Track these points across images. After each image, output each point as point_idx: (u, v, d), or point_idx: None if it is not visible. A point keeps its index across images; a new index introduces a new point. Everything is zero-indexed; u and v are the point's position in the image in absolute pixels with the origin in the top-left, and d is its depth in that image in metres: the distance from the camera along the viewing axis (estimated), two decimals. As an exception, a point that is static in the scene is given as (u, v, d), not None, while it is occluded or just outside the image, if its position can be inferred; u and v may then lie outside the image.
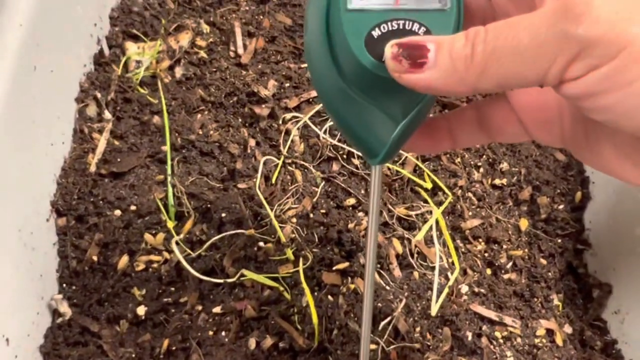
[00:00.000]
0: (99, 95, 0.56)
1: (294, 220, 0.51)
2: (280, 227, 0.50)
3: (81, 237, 0.49)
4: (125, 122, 0.56)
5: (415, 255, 0.51)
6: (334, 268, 0.48)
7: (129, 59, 0.62)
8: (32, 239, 0.45)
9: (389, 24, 0.27)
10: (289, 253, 0.49)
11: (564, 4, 0.22)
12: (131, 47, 0.63)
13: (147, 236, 0.50)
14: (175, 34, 0.64)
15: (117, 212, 0.51)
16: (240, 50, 0.62)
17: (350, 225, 0.51)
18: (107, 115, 0.56)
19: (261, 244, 0.50)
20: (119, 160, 0.54)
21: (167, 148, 0.55)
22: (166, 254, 0.50)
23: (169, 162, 0.54)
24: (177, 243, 0.50)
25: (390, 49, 0.26)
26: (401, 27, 0.27)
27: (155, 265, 0.50)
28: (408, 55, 0.25)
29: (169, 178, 0.53)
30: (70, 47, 0.55)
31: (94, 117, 0.55)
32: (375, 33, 0.27)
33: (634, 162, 0.26)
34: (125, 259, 0.49)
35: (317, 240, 0.50)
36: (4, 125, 0.42)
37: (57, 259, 0.48)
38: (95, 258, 0.49)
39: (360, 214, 0.52)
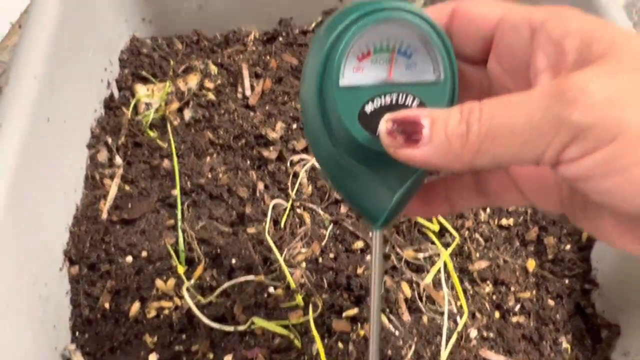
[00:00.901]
0: (109, 140, 0.57)
1: (304, 264, 0.52)
2: (290, 272, 0.51)
3: (93, 285, 0.50)
4: (136, 167, 0.57)
5: (424, 299, 0.51)
6: (343, 315, 0.49)
7: (139, 101, 0.63)
8: (45, 290, 0.45)
9: (382, 97, 0.28)
10: (299, 299, 0.50)
11: (558, 88, 0.23)
12: (140, 90, 0.64)
13: (158, 282, 0.51)
14: (184, 76, 0.66)
15: (129, 259, 0.52)
16: (248, 92, 0.63)
17: (359, 271, 0.51)
18: (118, 160, 0.57)
19: (271, 289, 0.50)
20: (129, 206, 0.54)
21: (177, 192, 0.55)
22: (177, 300, 0.51)
23: (179, 207, 0.54)
24: (187, 289, 0.50)
25: (384, 125, 0.26)
26: (394, 101, 0.28)
27: (166, 311, 0.50)
28: (402, 131, 0.26)
29: (179, 223, 0.54)
30: (82, 94, 0.56)
31: (105, 163, 0.56)
32: (369, 108, 0.27)
33: (634, 234, 0.27)
34: (136, 305, 0.50)
35: (326, 285, 0.50)
36: (19, 181, 0.43)
37: (69, 308, 0.49)
38: (107, 305, 0.50)
39: (369, 257, 0.53)
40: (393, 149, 0.26)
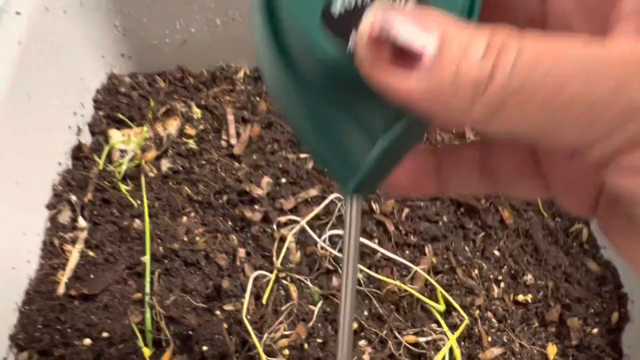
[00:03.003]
0: (74, 198, 0.51)
1: (286, 352, 0.45)
2: (270, 361, 0.44)
3: (45, 374, 0.44)
4: (103, 229, 0.51)
5: (426, 395, 0.44)
6: (329, 419, 0.42)
7: (113, 147, 0.57)
8: (-17, 389, 0.39)
9: None
10: (280, 394, 0.43)
11: None
12: (115, 135, 0.58)
13: (120, 369, 0.45)
14: (164, 120, 0.59)
15: (87, 341, 0.45)
16: (233, 140, 0.57)
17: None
18: (82, 222, 0.50)
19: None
20: (92, 276, 0.48)
21: (146, 260, 0.49)
22: (141, 390, 0.44)
23: (148, 279, 0.48)
24: (153, 378, 0.44)
25: (368, 24, 0.16)
26: None
27: (128, 404, 0.44)
28: (392, 47, 0.16)
29: (147, 298, 0.47)
30: (44, 148, 0.50)
31: (67, 225, 0.50)
32: (337, 6, 0.18)
33: None
34: (94, 397, 0.44)
35: None
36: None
37: (16, 402, 0.43)
38: (60, 397, 0.43)
39: (362, 342, 0.46)
40: (370, 65, 0.16)
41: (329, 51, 0.18)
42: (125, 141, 0.58)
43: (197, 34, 0.61)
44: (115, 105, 0.60)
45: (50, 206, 0.50)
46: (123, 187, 0.54)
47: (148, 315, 0.46)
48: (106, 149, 0.57)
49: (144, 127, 0.58)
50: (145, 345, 0.46)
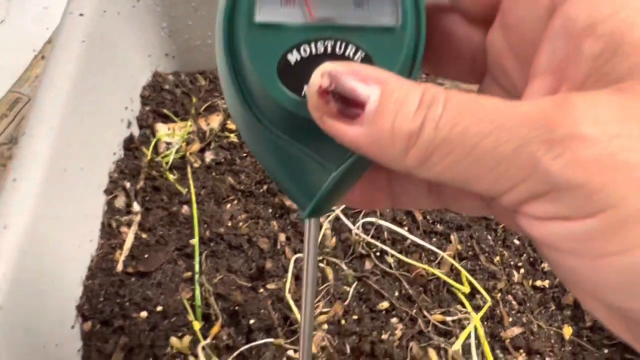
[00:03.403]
0: (128, 185, 0.56)
1: (325, 326, 0.49)
2: (311, 334, 0.48)
3: (106, 342, 0.48)
4: (154, 214, 0.55)
5: (452, 368, 0.48)
6: (366, 386, 0.46)
7: (159, 140, 0.62)
8: (57, 352, 0.44)
9: (313, 44, 0.20)
10: (320, 365, 0.47)
11: (547, 116, 0.16)
12: (161, 128, 0.62)
13: (173, 339, 0.49)
14: (206, 115, 0.64)
15: (143, 314, 0.50)
16: (272, 134, 0.61)
17: (384, 336, 0.48)
18: (136, 207, 0.55)
19: (290, 353, 0.48)
20: (146, 256, 0.52)
21: (195, 242, 0.53)
22: (192, 359, 0.48)
23: (197, 259, 0.52)
24: (203, 348, 0.48)
25: (317, 79, 0.18)
26: (330, 50, 0.20)
27: (180, 371, 0.48)
28: (340, 97, 0.18)
29: (197, 277, 0.51)
30: (101, 138, 0.55)
31: (122, 209, 0.54)
32: (293, 57, 0.20)
33: (625, 325, 0.20)
34: (150, 364, 0.48)
35: (349, 351, 0.48)
36: (33, 237, 0.42)
37: (81, 366, 0.47)
38: (119, 364, 0.48)
39: (394, 319, 0.50)
40: (320, 115, 0.19)
41: (285, 96, 0.20)
42: (170, 134, 0.62)
43: (238, 36, 0.65)
44: (160, 101, 0.64)
45: (107, 192, 0.54)
46: (171, 176, 0.58)
47: (198, 292, 0.50)
48: (153, 141, 0.61)
49: (187, 122, 0.63)
50: (196, 319, 0.50)
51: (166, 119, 0.63)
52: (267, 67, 0.20)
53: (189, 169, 0.59)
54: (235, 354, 0.47)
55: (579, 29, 0.18)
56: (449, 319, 0.50)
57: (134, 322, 0.49)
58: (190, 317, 0.50)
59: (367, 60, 0.20)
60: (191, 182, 0.57)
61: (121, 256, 0.52)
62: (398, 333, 0.49)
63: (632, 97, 0.16)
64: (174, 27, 0.64)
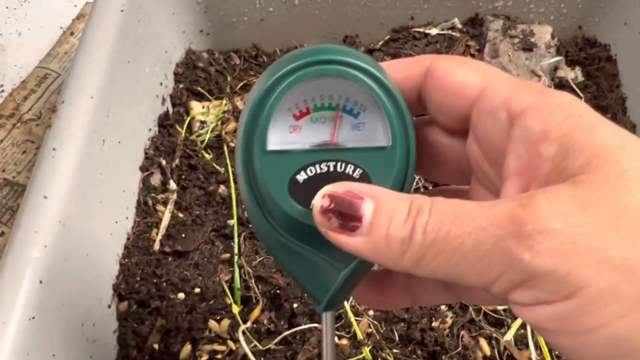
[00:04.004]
0: (163, 162, 0.53)
1: (371, 313, 0.47)
2: (357, 320, 0.46)
3: (142, 323, 0.46)
4: (190, 192, 0.53)
5: (505, 359, 0.46)
6: (418, 375, 0.43)
7: (193, 119, 0.59)
8: (93, 331, 0.41)
9: (318, 166, 0.24)
10: (366, 352, 0.45)
11: (516, 214, 0.19)
12: (196, 107, 0.60)
13: (212, 323, 0.47)
14: (242, 94, 0.61)
15: (181, 295, 0.47)
16: (311, 114, 0.59)
17: (435, 324, 0.46)
18: (172, 185, 0.53)
19: (335, 339, 0.46)
20: (183, 236, 0.50)
21: (233, 223, 0.51)
22: (231, 344, 0.46)
23: (236, 240, 0.50)
24: (243, 333, 0.46)
25: (319, 201, 0.22)
26: (332, 169, 0.24)
27: (219, 356, 0.46)
28: (339, 214, 0.21)
29: (236, 258, 0.49)
30: (138, 111, 0.52)
31: (158, 187, 0.52)
32: (301, 177, 0.24)
33: None
34: (187, 348, 0.46)
35: (397, 338, 0.45)
36: (71, 210, 0.39)
37: (116, 348, 0.45)
38: (156, 346, 0.46)
39: (444, 307, 0.48)
40: (325, 230, 0.22)
41: (296, 209, 0.24)
42: (205, 113, 0.60)
43: (275, 13, 0.63)
44: (194, 79, 0.62)
45: (143, 168, 0.52)
46: (207, 155, 0.56)
47: (237, 274, 0.48)
48: (187, 119, 0.59)
49: (222, 101, 0.61)
50: (235, 302, 0.48)
51: (200, 97, 0.61)
52: (280, 186, 0.24)
53: (225, 148, 0.56)
54: (278, 338, 0.45)
55: (535, 136, 0.21)
56: (500, 307, 0.48)
57: (171, 303, 0.47)
58: (229, 299, 0.48)
59: (364, 176, 0.24)
60: (228, 161, 0.55)
61: (158, 235, 0.49)
62: (449, 321, 0.46)
63: (586, 188, 0.19)
64: (209, 2, 0.62)
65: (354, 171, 0.24)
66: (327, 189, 0.22)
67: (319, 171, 0.24)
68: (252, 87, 0.25)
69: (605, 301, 0.18)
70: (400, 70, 0.25)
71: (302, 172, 0.24)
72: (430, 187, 0.53)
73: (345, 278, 0.25)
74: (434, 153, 0.26)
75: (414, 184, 0.53)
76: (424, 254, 0.20)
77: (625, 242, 0.18)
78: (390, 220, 0.21)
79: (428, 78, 0.24)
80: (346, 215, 0.21)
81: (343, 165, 0.24)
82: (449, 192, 0.29)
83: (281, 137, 0.24)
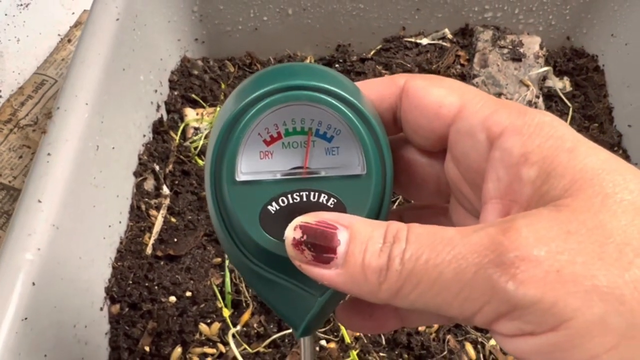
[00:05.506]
0: (157, 167, 0.54)
1: (359, 317, 0.48)
2: (345, 324, 0.47)
3: (134, 326, 0.47)
4: (183, 198, 0.54)
5: (490, 363, 0.47)
6: (403, 378, 0.44)
7: (187, 125, 0.60)
8: (85, 333, 0.42)
9: (289, 196, 0.22)
10: (354, 355, 0.45)
11: (497, 241, 0.18)
12: (190, 113, 0.61)
13: (202, 326, 0.47)
14: (236, 101, 0.62)
15: (172, 299, 0.48)
16: (303, 122, 0.60)
17: (421, 328, 0.47)
18: (165, 190, 0.53)
19: (323, 343, 0.46)
20: (175, 240, 0.51)
21: (225, 228, 0.52)
22: (221, 347, 0.47)
23: (228, 245, 0.51)
24: (233, 336, 0.47)
25: (291, 233, 0.21)
26: (305, 199, 0.22)
27: (209, 358, 0.47)
28: (312, 245, 0.20)
29: (227, 262, 0.50)
30: (133, 118, 0.53)
31: (151, 192, 0.53)
32: (272, 208, 0.23)
33: None
34: (178, 350, 0.46)
35: (384, 342, 0.46)
36: (65, 213, 0.40)
37: (108, 350, 0.46)
38: (147, 349, 0.46)
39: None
40: (298, 263, 0.21)
41: (268, 241, 0.23)
42: (199, 119, 0.61)
43: (269, 22, 0.64)
44: (188, 86, 0.63)
45: (136, 174, 0.53)
46: (200, 161, 0.57)
47: (228, 278, 0.49)
48: (181, 126, 0.60)
49: (216, 108, 0.62)
50: (225, 305, 0.48)
51: (194, 104, 0.62)
52: (251, 217, 0.23)
53: (218, 155, 0.57)
54: (267, 341, 0.46)
55: (515, 159, 0.20)
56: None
57: (163, 306, 0.48)
58: (220, 303, 0.49)
59: (339, 205, 0.23)
60: (221, 167, 0.56)
61: (150, 239, 0.50)
62: (435, 326, 0.47)
63: (570, 213, 0.18)
64: (205, 12, 0.63)
65: (327, 200, 0.23)
66: (299, 220, 0.21)
67: (291, 201, 0.23)
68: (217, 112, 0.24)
69: (593, 333, 0.17)
70: (375, 90, 0.24)
71: (274, 203, 0.23)
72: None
73: (321, 305, 0.25)
74: (411, 172, 0.26)
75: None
76: (403, 284, 0.19)
77: (611, 269, 0.17)
78: (365, 249, 0.20)
79: (403, 98, 0.24)
80: (319, 247, 0.20)
81: (316, 194, 0.23)
82: (430, 208, 0.28)
83: (252, 164, 0.23)
